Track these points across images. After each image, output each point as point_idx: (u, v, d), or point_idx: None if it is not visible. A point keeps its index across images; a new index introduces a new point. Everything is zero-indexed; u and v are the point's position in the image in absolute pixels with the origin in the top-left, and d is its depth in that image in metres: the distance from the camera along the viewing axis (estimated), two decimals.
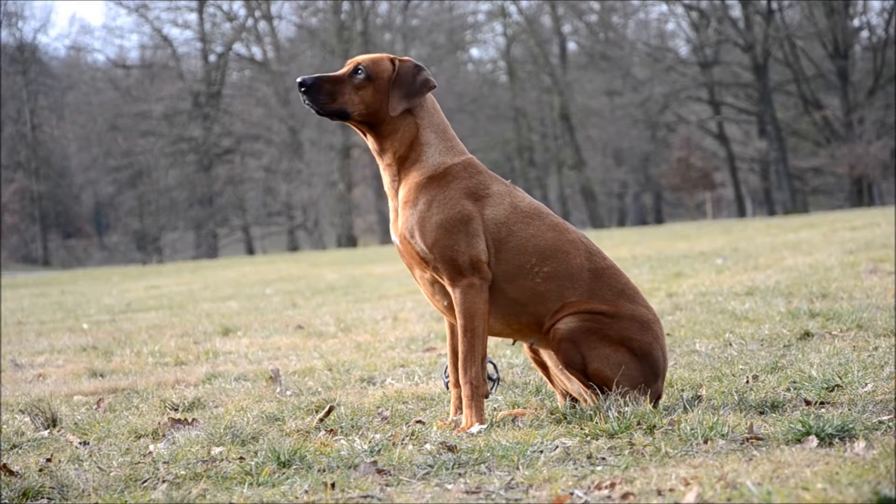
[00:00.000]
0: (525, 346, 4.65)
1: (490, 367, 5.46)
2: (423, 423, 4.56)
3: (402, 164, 4.35)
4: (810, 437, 3.62)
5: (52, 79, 61.69)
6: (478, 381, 4.29)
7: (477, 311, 4.27)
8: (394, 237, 4.43)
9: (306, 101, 4.29)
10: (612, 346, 4.30)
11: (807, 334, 6.31)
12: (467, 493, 3.32)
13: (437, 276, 4.32)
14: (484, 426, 4.22)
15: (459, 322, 4.28)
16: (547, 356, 4.55)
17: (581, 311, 4.32)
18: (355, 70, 4.31)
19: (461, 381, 4.31)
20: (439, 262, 4.26)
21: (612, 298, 4.36)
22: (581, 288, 4.35)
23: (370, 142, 4.40)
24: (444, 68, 55.50)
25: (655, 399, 4.38)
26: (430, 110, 4.38)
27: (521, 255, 4.32)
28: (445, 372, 5.47)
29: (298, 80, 4.28)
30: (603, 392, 4.29)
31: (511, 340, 4.62)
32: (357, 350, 7.57)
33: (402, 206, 4.34)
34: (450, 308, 4.38)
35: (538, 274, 4.33)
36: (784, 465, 3.32)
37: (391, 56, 4.37)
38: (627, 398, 4.25)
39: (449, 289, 4.29)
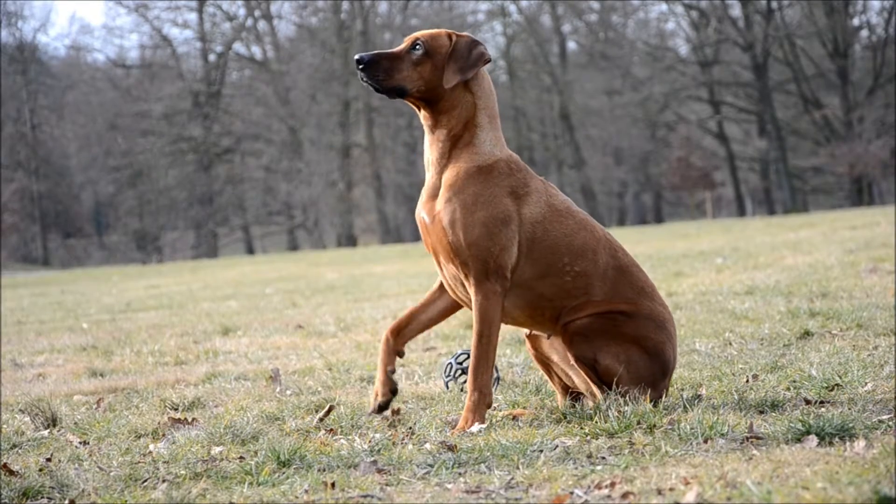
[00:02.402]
0: (528, 343, 4.66)
1: None
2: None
3: (455, 144, 4.32)
4: (810, 437, 3.62)
5: (51, 78, 61.69)
6: (487, 390, 4.29)
7: (494, 318, 4.27)
8: (423, 215, 4.37)
9: (364, 79, 4.28)
10: (625, 345, 4.32)
11: (807, 333, 6.31)
12: (467, 492, 3.32)
13: (459, 272, 4.30)
14: (483, 426, 4.22)
15: (476, 327, 4.28)
16: (551, 350, 4.54)
17: (601, 311, 4.34)
18: (413, 46, 4.31)
19: (470, 387, 4.28)
20: (471, 260, 4.24)
21: (633, 296, 4.39)
22: (607, 285, 4.37)
23: (424, 116, 4.36)
24: None
25: (658, 396, 4.39)
26: (487, 91, 4.38)
27: (554, 254, 4.32)
28: (445, 371, 5.49)
29: (356, 56, 4.28)
30: (609, 388, 4.30)
31: (527, 330, 4.62)
32: (357, 349, 7.57)
33: (445, 189, 4.30)
34: (466, 299, 4.37)
35: (569, 272, 4.34)
36: (784, 464, 3.33)
37: (449, 31, 4.37)
38: (628, 397, 4.26)
39: (470, 290, 4.28)
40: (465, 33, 4.36)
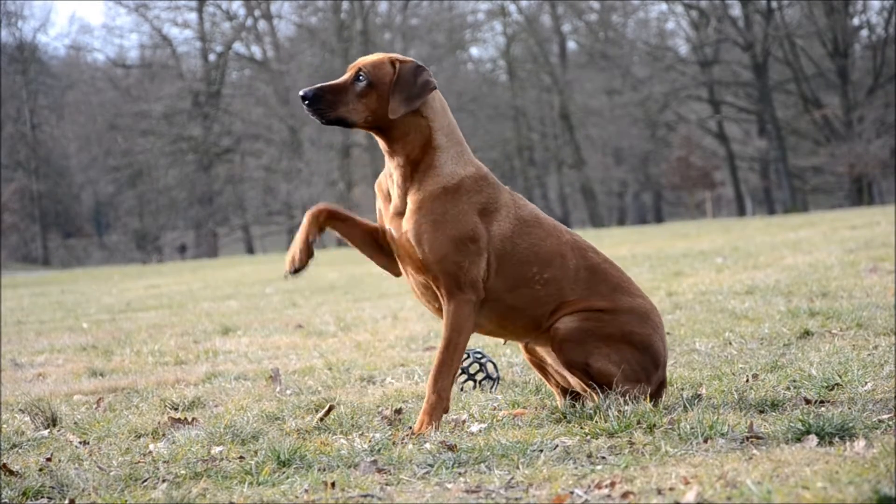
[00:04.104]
0: (521, 347, 4.67)
1: (490, 367, 5.48)
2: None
3: (416, 168, 4.28)
4: (810, 436, 3.62)
5: (51, 78, 61.71)
6: (445, 394, 4.28)
7: (465, 327, 4.26)
8: (391, 229, 4.34)
9: (310, 114, 4.25)
10: (613, 344, 4.34)
11: (806, 333, 6.31)
12: (467, 492, 3.32)
13: (432, 284, 4.30)
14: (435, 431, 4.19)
15: (445, 334, 4.28)
16: (545, 354, 4.56)
17: (580, 309, 4.34)
18: (357, 77, 4.25)
19: (429, 389, 4.28)
20: (441, 274, 4.23)
21: (609, 293, 4.40)
22: (579, 287, 4.38)
23: (381, 143, 4.33)
24: (444, 67, 55.49)
25: (658, 386, 4.42)
26: (440, 111, 4.32)
27: (522, 266, 4.33)
28: None
29: (301, 93, 4.24)
30: (604, 388, 4.30)
31: (502, 340, 4.62)
32: (357, 349, 7.56)
33: (412, 211, 4.27)
34: (440, 311, 4.36)
35: (538, 281, 4.35)
36: (784, 463, 3.32)
37: (392, 57, 4.29)
38: (627, 397, 4.27)
39: (443, 300, 4.28)
40: (408, 59, 4.29)
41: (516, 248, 4.32)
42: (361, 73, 4.25)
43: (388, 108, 4.21)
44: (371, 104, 4.23)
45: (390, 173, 4.37)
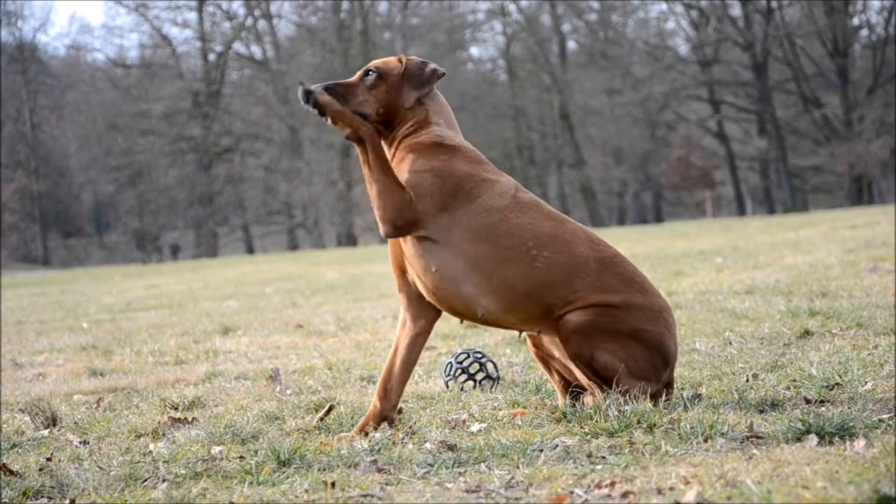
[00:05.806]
0: (528, 341, 4.65)
1: (490, 366, 5.48)
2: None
3: (408, 136, 4.41)
4: (810, 436, 3.62)
5: (51, 78, 61.71)
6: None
7: (387, 188, 4.25)
8: None
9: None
10: (622, 340, 4.33)
11: (807, 333, 6.31)
12: (467, 491, 3.32)
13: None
14: None
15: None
16: (552, 346, 4.54)
17: (592, 304, 4.33)
18: (366, 73, 4.43)
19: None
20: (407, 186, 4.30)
21: (622, 288, 4.38)
22: (590, 278, 4.36)
23: (382, 138, 4.45)
24: (444, 67, 55.40)
25: (665, 385, 4.42)
26: (440, 103, 4.51)
27: (513, 238, 4.32)
28: (445, 370, 5.50)
29: (311, 88, 4.30)
30: (609, 385, 4.30)
31: (518, 333, 4.61)
32: (357, 349, 7.57)
33: (399, 159, 4.38)
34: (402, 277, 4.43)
35: (537, 258, 4.32)
36: (784, 463, 3.33)
37: (399, 56, 4.50)
38: (628, 396, 4.27)
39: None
40: (413, 56, 4.49)
41: (506, 220, 4.33)
42: (370, 69, 4.44)
43: (397, 98, 4.39)
44: (381, 95, 4.39)
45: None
